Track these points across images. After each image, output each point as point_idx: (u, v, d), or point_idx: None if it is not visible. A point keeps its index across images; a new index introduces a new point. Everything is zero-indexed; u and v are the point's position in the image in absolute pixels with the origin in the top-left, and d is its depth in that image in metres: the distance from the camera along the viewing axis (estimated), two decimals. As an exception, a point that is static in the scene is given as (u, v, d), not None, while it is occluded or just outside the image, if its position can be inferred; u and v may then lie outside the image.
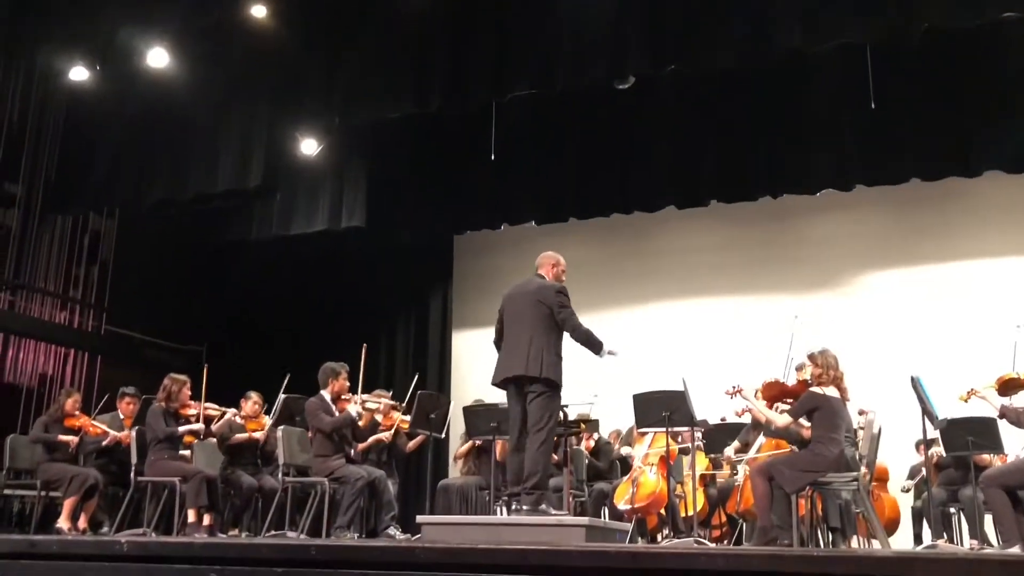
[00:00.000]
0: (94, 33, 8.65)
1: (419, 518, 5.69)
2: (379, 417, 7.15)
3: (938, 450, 7.05)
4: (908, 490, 7.76)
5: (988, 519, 6.60)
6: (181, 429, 6.80)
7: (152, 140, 9.20)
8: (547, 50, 7.84)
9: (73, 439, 7.04)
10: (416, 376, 7.26)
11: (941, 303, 9.09)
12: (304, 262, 10.93)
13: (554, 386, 5.24)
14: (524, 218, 10.26)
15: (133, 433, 7.02)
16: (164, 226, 10.53)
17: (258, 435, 7.21)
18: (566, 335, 5.38)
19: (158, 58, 8.63)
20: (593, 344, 5.37)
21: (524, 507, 5.14)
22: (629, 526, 6.42)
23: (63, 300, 10.29)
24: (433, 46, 8.22)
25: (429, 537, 5.33)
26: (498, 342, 5.56)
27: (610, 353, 5.39)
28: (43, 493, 7.12)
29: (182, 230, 10.63)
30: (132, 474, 6.83)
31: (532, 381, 5.22)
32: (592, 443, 7.72)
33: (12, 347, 9.70)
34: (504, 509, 7.01)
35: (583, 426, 6.90)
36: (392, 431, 7.14)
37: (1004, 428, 6.16)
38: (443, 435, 7.26)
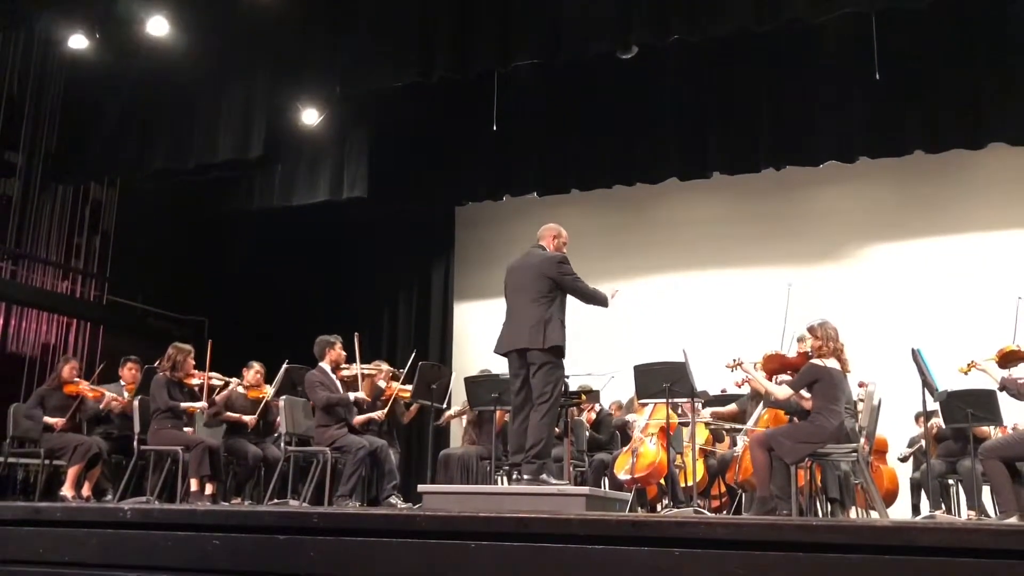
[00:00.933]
0: (93, 0, 8.58)
1: (420, 487, 5.73)
2: (381, 383, 7.18)
3: (937, 422, 7.09)
4: (905, 459, 7.81)
5: (986, 490, 6.65)
6: (183, 405, 6.81)
7: (152, 109, 9.15)
8: (550, 20, 7.77)
9: (60, 421, 7.01)
10: (415, 352, 7.26)
11: (943, 275, 9.09)
12: (306, 232, 10.92)
13: (558, 355, 5.26)
14: (526, 189, 10.23)
15: (136, 402, 7.04)
16: (165, 196, 10.52)
17: (247, 419, 7.19)
18: (570, 303, 5.40)
19: (158, 26, 8.56)
20: (599, 299, 5.44)
21: (525, 476, 5.18)
22: (629, 496, 6.47)
23: (65, 270, 10.30)
24: (435, 15, 8.15)
25: (430, 506, 5.37)
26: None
27: (613, 296, 5.50)
28: (47, 461, 7.16)
29: (183, 200, 10.61)
30: (135, 443, 6.87)
31: (532, 352, 5.24)
32: (593, 415, 7.76)
33: (15, 317, 9.72)
34: (505, 479, 7.07)
35: (584, 397, 6.94)
36: (387, 407, 7.17)
37: (1004, 400, 6.19)
38: (444, 406, 7.30)
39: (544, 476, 5.16)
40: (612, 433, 7.81)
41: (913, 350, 5.76)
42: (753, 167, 9.25)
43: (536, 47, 7.87)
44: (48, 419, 7.00)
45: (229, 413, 7.22)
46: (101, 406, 7.28)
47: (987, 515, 6.49)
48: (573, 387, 6.06)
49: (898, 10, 7.39)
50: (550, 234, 5.59)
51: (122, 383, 7.63)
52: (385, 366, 7.45)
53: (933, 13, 7.56)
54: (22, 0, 8.66)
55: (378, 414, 7.09)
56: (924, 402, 5.91)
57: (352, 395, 6.71)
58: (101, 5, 8.57)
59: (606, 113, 9.58)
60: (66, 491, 6.76)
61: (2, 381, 9.34)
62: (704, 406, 7.01)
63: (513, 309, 5.41)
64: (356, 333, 7.07)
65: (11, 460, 7.64)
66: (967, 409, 6.48)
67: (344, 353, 6.88)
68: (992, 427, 6.79)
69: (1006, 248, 8.91)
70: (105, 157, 9.57)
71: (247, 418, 7.22)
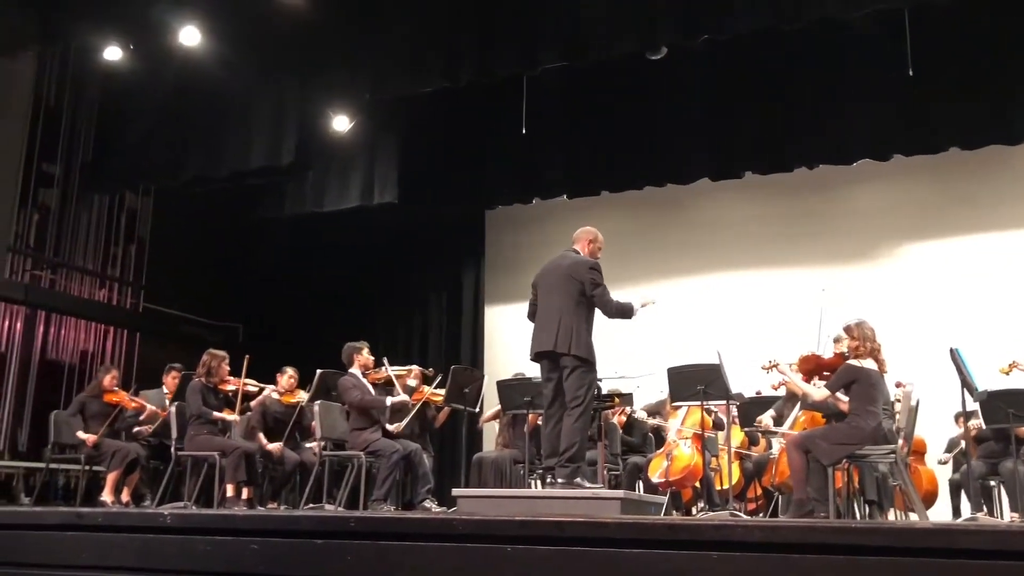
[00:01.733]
0: (126, 13, 8.71)
1: (455, 491, 5.74)
2: (412, 382, 7.20)
3: (977, 422, 6.96)
4: (945, 463, 7.68)
5: (1028, 492, 6.54)
6: (214, 415, 6.83)
7: (186, 118, 9.27)
8: (577, 21, 7.76)
9: (91, 437, 7.04)
10: (448, 369, 7.28)
11: (981, 274, 8.94)
12: (337, 238, 10.99)
13: (587, 361, 5.24)
14: (556, 192, 10.22)
15: (173, 408, 7.12)
16: (199, 204, 10.64)
17: (273, 448, 7.16)
18: (598, 310, 5.39)
19: (190, 36, 8.66)
20: (625, 312, 5.38)
21: (559, 480, 5.17)
22: (664, 499, 6.43)
23: (101, 278, 10.45)
24: (463, 19, 8.18)
25: (465, 509, 5.37)
26: (532, 316, 5.57)
27: (643, 306, 5.42)
28: (87, 467, 7.27)
29: (217, 208, 10.73)
30: (172, 449, 6.94)
31: (564, 356, 5.23)
32: (624, 418, 7.72)
33: (54, 325, 9.88)
34: (539, 482, 7.06)
35: (616, 400, 6.91)
36: (411, 414, 7.17)
37: (1046, 400, 6.07)
38: (477, 409, 7.31)
39: (578, 480, 5.15)
40: (645, 435, 7.78)
41: (952, 350, 5.68)
42: (785, 166, 9.18)
43: (563, 49, 7.86)
44: (81, 434, 7.11)
45: (261, 436, 7.23)
46: (141, 418, 7.36)
47: (1030, 517, 6.37)
48: (605, 390, 6.04)
49: (931, 4, 7.29)
50: (586, 238, 5.57)
51: (164, 391, 7.73)
52: (414, 367, 7.46)
53: (967, 5, 7.45)
54: (58, 14, 8.79)
55: (395, 427, 6.92)
56: (964, 402, 5.82)
57: (390, 399, 6.73)
58: (135, 17, 8.69)
59: (635, 114, 9.54)
60: (105, 496, 6.86)
61: (43, 388, 9.51)
62: (739, 410, 6.95)
63: (543, 312, 5.40)
64: (384, 358, 7.17)
65: (52, 466, 7.77)
66: (1008, 409, 6.35)
67: (372, 358, 6.97)
68: (1034, 427, 6.65)
69: (1045, 245, 8.75)
70: (140, 166, 9.72)
71: (272, 447, 7.16)
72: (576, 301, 5.28)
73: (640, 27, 7.58)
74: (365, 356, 6.91)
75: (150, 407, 7.37)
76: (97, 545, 3.10)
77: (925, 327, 8.55)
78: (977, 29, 8.05)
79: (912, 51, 7.65)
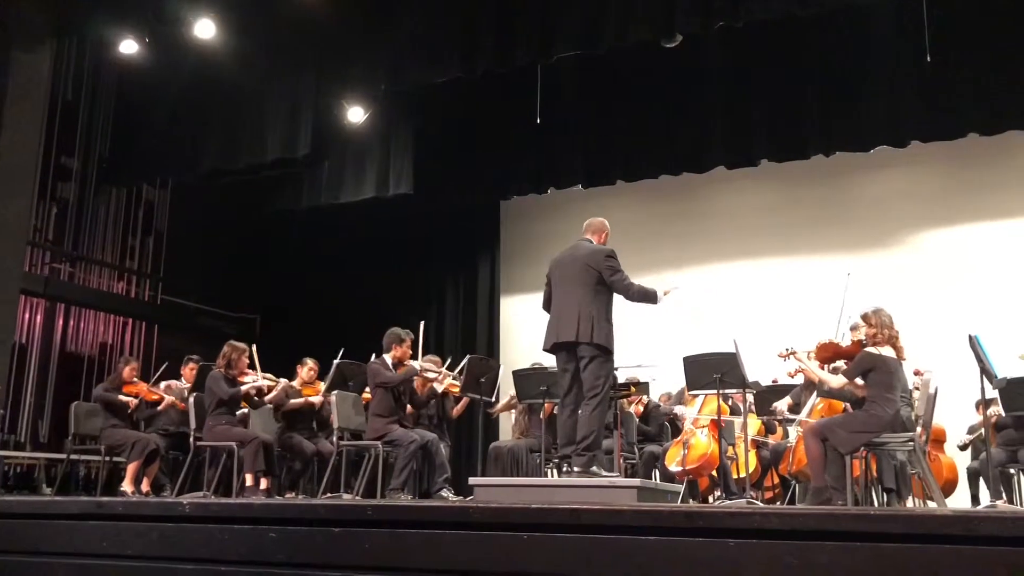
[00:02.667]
0: (141, 6, 8.75)
1: (471, 480, 5.76)
2: (438, 387, 7.20)
3: (997, 410, 6.91)
4: (965, 447, 7.64)
5: (1049, 479, 6.50)
6: (245, 386, 6.91)
7: (202, 111, 9.31)
8: (591, 10, 7.73)
9: (132, 400, 7.25)
10: (465, 356, 7.26)
11: (1000, 260, 8.87)
12: (353, 229, 11.02)
13: (606, 350, 5.24)
14: (570, 181, 10.20)
15: (191, 399, 7.18)
16: (216, 196, 10.69)
17: (315, 399, 7.32)
18: (617, 298, 5.37)
19: (205, 29, 8.69)
20: (648, 297, 5.35)
21: (576, 468, 5.18)
22: (681, 488, 6.42)
23: (120, 270, 10.53)
24: (478, 9, 8.17)
25: (481, 498, 5.38)
26: (546, 306, 5.56)
27: (666, 293, 5.40)
28: (107, 458, 7.34)
29: (234, 200, 10.78)
30: (191, 439, 7.00)
31: (582, 346, 5.22)
32: (642, 408, 7.71)
33: (73, 317, 9.97)
34: (555, 471, 7.07)
35: (633, 389, 6.90)
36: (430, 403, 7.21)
37: (1066, 387, 6.03)
38: (493, 399, 7.31)
39: (595, 468, 5.16)
40: (661, 424, 7.77)
41: (970, 336, 5.64)
42: (802, 154, 9.12)
43: (578, 38, 7.84)
44: (123, 397, 7.22)
45: (293, 400, 7.30)
46: (160, 408, 7.45)
47: (1051, 504, 6.34)
48: (621, 379, 6.03)
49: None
50: (599, 227, 5.57)
51: (184, 383, 7.79)
52: (447, 371, 7.42)
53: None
54: (74, 7, 8.84)
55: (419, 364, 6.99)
56: (983, 389, 5.78)
57: (417, 365, 6.69)
58: (150, 10, 8.73)
59: (650, 102, 9.51)
60: (126, 487, 6.92)
61: (63, 380, 9.60)
62: (756, 398, 6.93)
63: (560, 303, 5.38)
64: (422, 321, 7.09)
65: (73, 457, 7.85)
66: (1028, 396, 6.32)
67: (411, 352, 6.89)
68: (1054, 415, 6.61)
69: (1066, 231, 8.66)
70: (157, 159, 9.78)
71: (314, 399, 7.27)
72: (595, 291, 5.27)
73: (655, 15, 7.55)
74: (405, 348, 6.79)
75: (168, 397, 7.44)
76: (117, 534, 3.13)
77: (943, 314, 8.50)
78: (995, 15, 7.96)
79: (930, 37, 7.57)
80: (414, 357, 6.91)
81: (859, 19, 8.11)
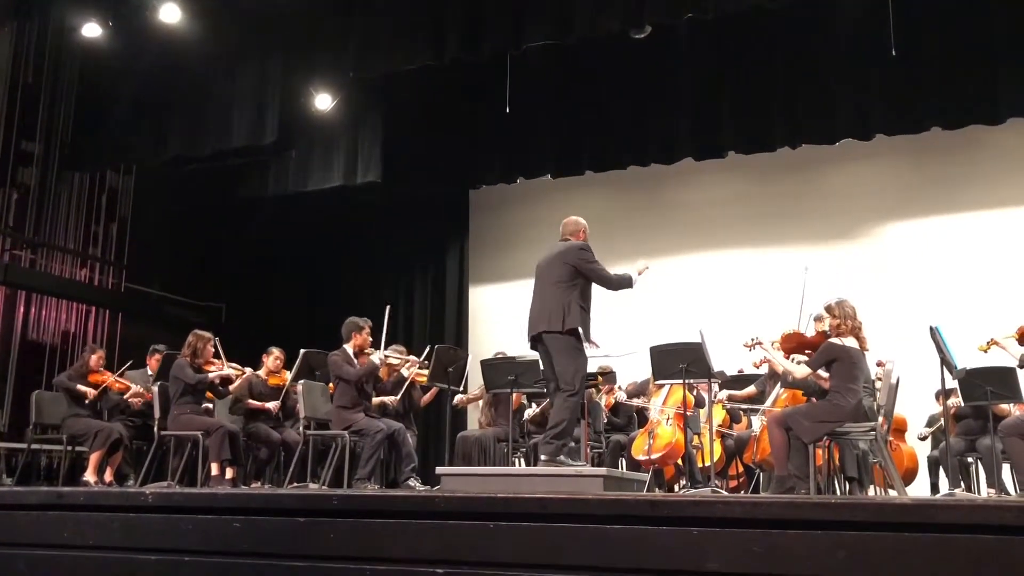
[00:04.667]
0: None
1: (438, 469, 5.76)
2: (405, 372, 7.20)
3: (956, 400, 7.04)
4: (925, 437, 7.77)
5: (1006, 468, 6.62)
6: (211, 374, 6.86)
7: (167, 96, 9.18)
8: (562, 0, 7.72)
9: (92, 391, 7.14)
10: (430, 345, 7.24)
11: (961, 253, 9.01)
12: (321, 217, 10.95)
13: (577, 338, 5.27)
14: (540, 171, 10.20)
15: (156, 388, 7.10)
16: (181, 183, 10.56)
17: (270, 405, 7.26)
18: (595, 289, 5.43)
19: (170, 13, 8.57)
20: (625, 282, 5.44)
21: (543, 456, 5.23)
22: (647, 476, 6.47)
23: (83, 258, 10.37)
24: (447, -3, 8.13)
25: (449, 488, 5.39)
26: None
27: (640, 273, 5.48)
28: (69, 448, 7.24)
29: (199, 187, 10.65)
30: (156, 428, 6.93)
31: (553, 335, 5.27)
32: (612, 399, 7.75)
33: (35, 305, 9.81)
34: (522, 460, 7.09)
35: (600, 379, 6.94)
36: (402, 391, 7.19)
37: (1023, 377, 6.14)
38: (461, 388, 7.31)
39: (561, 457, 5.19)
40: (630, 417, 7.81)
41: (931, 328, 5.73)
42: (768, 146, 9.19)
43: (548, 27, 7.83)
44: (81, 387, 7.10)
45: (251, 400, 7.27)
46: (125, 397, 7.35)
47: (1007, 493, 6.46)
48: (591, 369, 6.06)
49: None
50: (577, 227, 5.64)
51: (149, 372, 7.70)
52: (412, 357, 7.41)
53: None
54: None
55: (391, 399, 7.10)
56: (943, 380, 5.89)
57: (377, 358, 6.68)
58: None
59: (620, 93, 9.53)
60: (88, 477, 6.83)
61: (24, 369, 9.45)
62: (721, 387, 6.99)
63: (536, 297, 5.46)
64: (387, 305, 7.07)
65: (35, 446, 7.74)
66: (986, 387, 6.42)
67: (371, 339, 6.87)
68: (1011, 405, 6.74)
69: (1025, 225, 8.82)
70: (121, 145, 9.63)
71: (270, 405, 7.27)
72: (567, 283, 5.32)
73: (625, 5, 7.55)
74: (364, 336, 6.77)
75: (134, 386, 7.35)
76: (78, 525, 3.10)
77: (906, 306, 8.62)
78: (959, 10, 8.06)
79: (895, 31, 7.65)
80: (377, 345, 6.89)
81: (826, 14, 8.19)
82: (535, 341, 5.42)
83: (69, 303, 10.17)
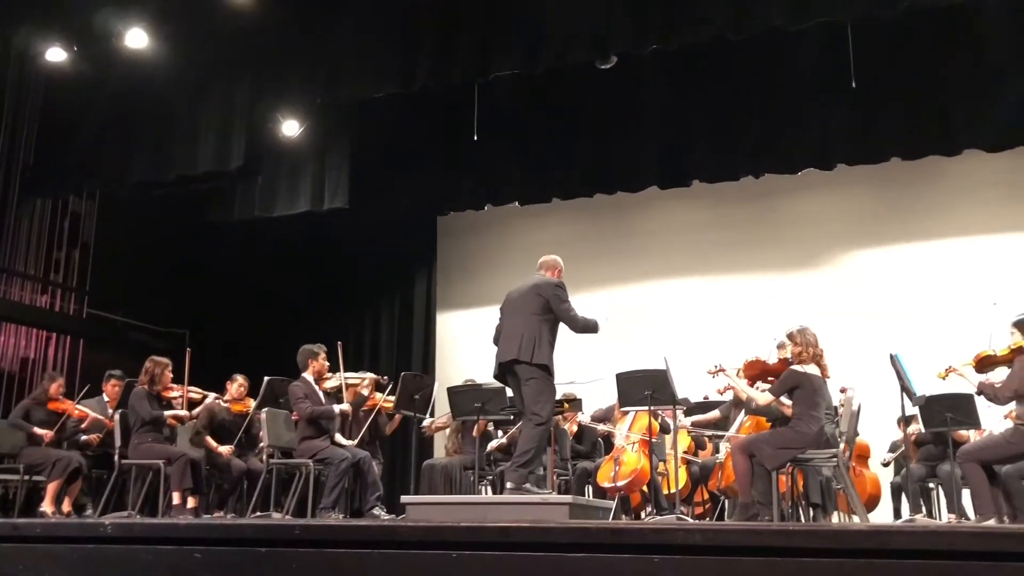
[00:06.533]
0: (70, 13, 8.55)
1: (404, 498, 5.73)
2: (365, 392, 7.16)
3: (917, 426, 7.14)
4: (888, 464, 7.86)
5: (966, 493, 6.71)
6: (167, 413, 6.79)
7: (132, 121, 9.10)
8: (529, 30, 7.79)
9: (48, 433, 6.98)
10: (398, 364, 7.24)
11: (921, 281, 9.17)
12: (287, 243, 10.89)
13: (546, 370, 5.35)
14: (508, 199, 10.25)
15: (117, 416, 7.00)
16: (146, 208, 10.45)
17: (224, 450, 7.16)
18: (562, 326, 5.51)
19: (137, 38, 8.53)
20: (591, 327, 5.53)
21: (508, 484, 5.24)
22: (612, 504, 6.48)
23: (44, 284, 10.22)
24: (416, 25, 8.17)
25: (414, 516, 5.36)
26: (496, 339, 5.65)
27: (606, 319, 5.59)
28: (26, 477, 7.10)
29: (164, 212, 10.55)
30: (116, 457, 6.82)
31: (522, 365, 5.33)
32: (576, 427, 7.77)
33: (-7, 331, 9.64)
34: (489, 489, 7.07)
35: (566, 406, 6.96)
36: (370, 417, 7.16)
37: (981, 404, 6.24)
38: (427, 416, 7.29)
39: (527, 485, 5.20)
40: (594, 443, 7.83)
41: (891, 355, 5.82)
42: (732, 175, 9.32)
43: (516, 57, 7.90)
44: (38, 430, 6.97)
45: (209, 439, 7.17)
46: (83, 426, 7.23)
47: (967, 518, 6.54)
48: (557, 396, 6.08)
49: (874, 18, 7.47)
50: (553, 265, 5.76)
51: (105, 398, 7.59)
52: (369, 375, 7.42)
53: (907, 22, 7.66)
54: (-2, 13, 8.61)
55: (343, 407, 6.81)
56: (903, 407, 5.97)
57: (338, 408, 6.69)
58: (79, 18, 8.52)
59: (586, 122, 9.63)
60: (45, 507, 6.71)
61: (-19, 396, 9.27)
62: (686, 414, 7.03)
63: (507, 329, 5.52)
64: (339, 342, 7.07)
65: (-10, 476, 7.59)
66: (946, 413, 6.54)
67: (328, 363, 6.86)
68: (971, 431, 6.85)
69: (982, 254, 8.99)
70: (84, 169, 9.52)
71: (223, 449, 7.15)
72: (540, 318, 5.42)
73: (591, 36, 7.65)
74: (321, 361, 6.79)
75: (92, 414, 7.23)
76: (35, 557, 3.04)
77: (867, 333, 8.74)
78: (918, 44, 8.26)
79: (855, 64, 7.83)
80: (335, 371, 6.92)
81: (787, 46, 8.34)
82: (505, 368, 5.45)
83: (29, 329, 10.00)
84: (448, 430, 7.87)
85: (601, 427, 7.58)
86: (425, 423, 7.52)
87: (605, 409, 7.76)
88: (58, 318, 10.32)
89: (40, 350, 10.08)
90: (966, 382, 5.85)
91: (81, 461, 6.96)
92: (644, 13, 7.46)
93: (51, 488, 6.74)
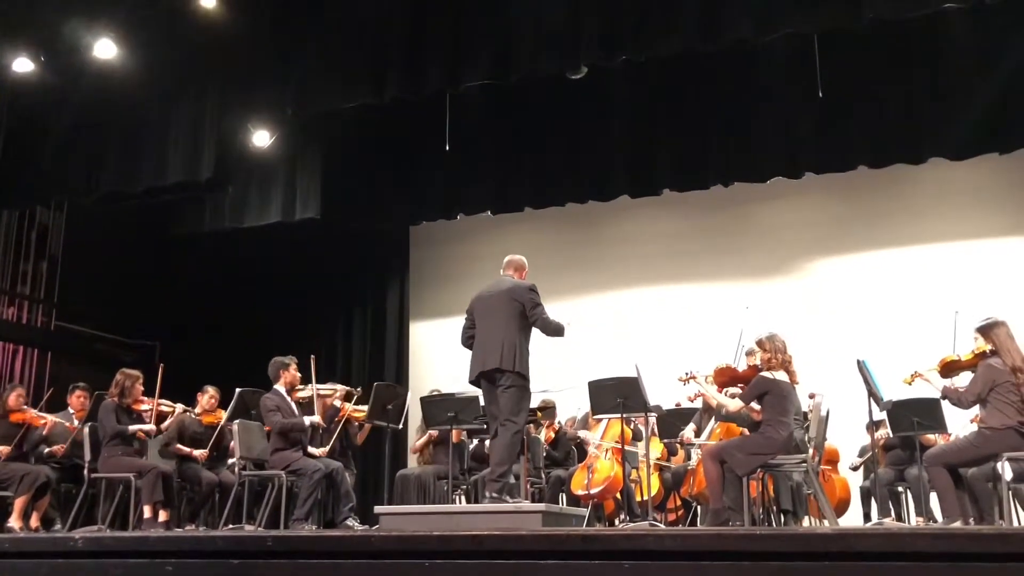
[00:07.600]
0: (37, 23, 8.47)
1: (377, 508, 5.73)
2: (336, 403, 7.15)
3: (885, 431, 7.24)
4: (856, 468, 7.95)
5: (934, 497, 6.80)
6: (131, 428, 6.73)
7: (101, 132, 9.02)
8: (500, 41, 7.84)
9: (5, 449, 6.87)
10: (369, 373, 7.24)
11: (886, 288, 9.31)
12: (258, 254, 10.83)
13: (525, 379, 5.38)
14: (480, 208, 10.29)
15: (86, 429, 6.92)
16: (114, 219, 10.37)
17: (198, 454, 7.15)
18: (534, 331, 5.55)
19: (105, 49, 8.46)
20: (559, 331, 5.57)
21: (489, 495, 5.27)
22: (586, 511, 6.51)
23: (11, 295, 10.10)
24: (387, 36, 8.18)
25: (388, 527, 5.35)
26: (466, 341, 5.66)
27: (568, 324, 5.62)
28: (-8, 492, 7.00)
29: (133, 223, 10.48)
30: (86, 471, 6.75)
31: (505, 374, 5.36)
32: (552, 434, 7.79)
33: (-41, 344, 9.51)
34: (463, 498, 7.08)
35: (539, 413, 6.98)
36: (339, 427, 7.14)
37: (947, 409, 6.34)
38: (400, 426, 7.28)
39: (505, 495, 5.23)
40: (568, 451, 7.85)
41: (858, 361, 5.91)
42: (702, 184, 9.42)
43: (487, 67, 7.93)
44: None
45: (180, 446, 7.13)
46: (44, 432, 7.12)
47: (935, 520, 6.63)
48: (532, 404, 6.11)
49: (839, 31, 7.60)
50: (519, 264, 5.79)
51: (71, 411, 7.50)
52: (340, 387, 7.40)
53: (872, 33, 7.79)
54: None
55: (321, 451, 6.85)
56: (871, 412, 6.06)
57: (308, 420, 6.67)
58: (46, 28, 8.45)
59: (558, 132, 9.69)
60: (13, 522, 6.61)
61: (-54, 411, 9.12)
62: (658, 422, 7.08)
63: (484, 334, 5.52)
64: (312, 355, 7.05)
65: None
66: (913, 418, 6.64)
67: (299, 375, 6.84)
68: (937, 435, 6.95)
69: (947, 261, 9.15)
70: (52, 180, 9.41)
71: (197, 453, 7.12)
72: (518, 323, 5.46)
73: (561, 47, 7.70)
74: (292, 373, 6.78)
75: (52, 419, 7.10)
76: (3, 572, 3.01)
77: (835, 339, 8.85)
78: (882, 55, 8.40)
79: (821, 74, 7.95)
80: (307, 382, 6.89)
81: (756, 57, 8.46)
82: (485, 376, 5.45)
83: (-5, 342, 9.89)
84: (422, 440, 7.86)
85: (583, 434, 7.60)
86: (419, 443, 7.59)
87: (580, 417, 7.80)
88: (25, 330, 10.20)
89: (7, 363, 9.95)
90: (931, 387, 5.94)
91: (49, 475, 6.87)
92: (614, 24, 7.53)
93: (18, 503, 6.65)
